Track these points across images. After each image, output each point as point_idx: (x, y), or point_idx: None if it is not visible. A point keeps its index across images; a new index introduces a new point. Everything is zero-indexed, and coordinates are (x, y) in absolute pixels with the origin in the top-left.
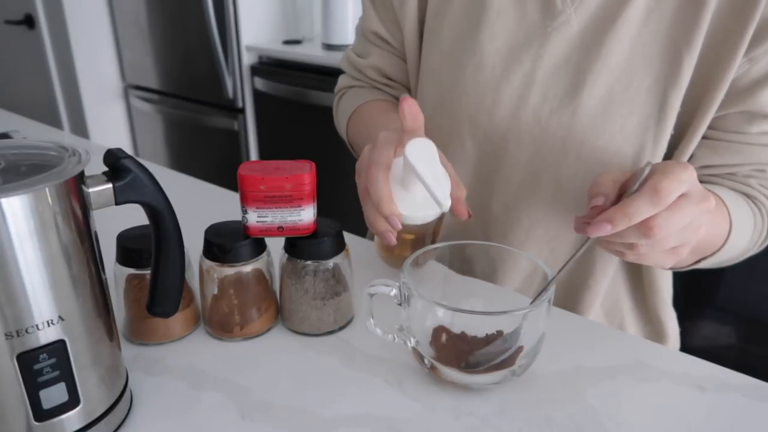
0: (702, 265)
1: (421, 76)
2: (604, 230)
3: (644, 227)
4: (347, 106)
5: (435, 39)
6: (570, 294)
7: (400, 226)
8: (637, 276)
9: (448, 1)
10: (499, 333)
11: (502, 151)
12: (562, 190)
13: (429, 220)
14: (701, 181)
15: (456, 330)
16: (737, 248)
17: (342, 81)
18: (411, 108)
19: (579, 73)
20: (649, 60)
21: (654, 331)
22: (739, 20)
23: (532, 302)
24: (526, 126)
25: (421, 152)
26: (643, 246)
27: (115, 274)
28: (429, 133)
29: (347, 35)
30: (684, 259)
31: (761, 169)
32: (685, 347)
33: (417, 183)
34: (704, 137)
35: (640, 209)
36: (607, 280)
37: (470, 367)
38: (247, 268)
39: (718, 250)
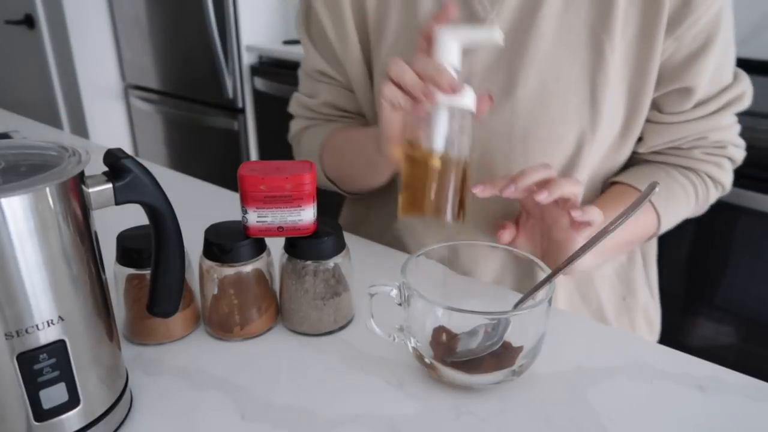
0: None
1: (375, 100)
2: (509, 191)
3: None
4: (313, 145)
5: (377, 64)
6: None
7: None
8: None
9: (383, 29)
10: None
11: None
12: None
13: (466, 105)
14: (649, 160)
15: (456, 330)
16: (676, 221)
17: (295, 125)
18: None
19: (511, 72)
20: (573, 50)
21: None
22: (652, 4)
23: (522, 298)
24: None
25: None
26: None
27: (115, 274)
28: None
29: None
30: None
31: (702, 137)
32: (685, 347)
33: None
34: (649, 120)
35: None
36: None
37: (457, 359)
38: (247, 268)
39: (656, 233)
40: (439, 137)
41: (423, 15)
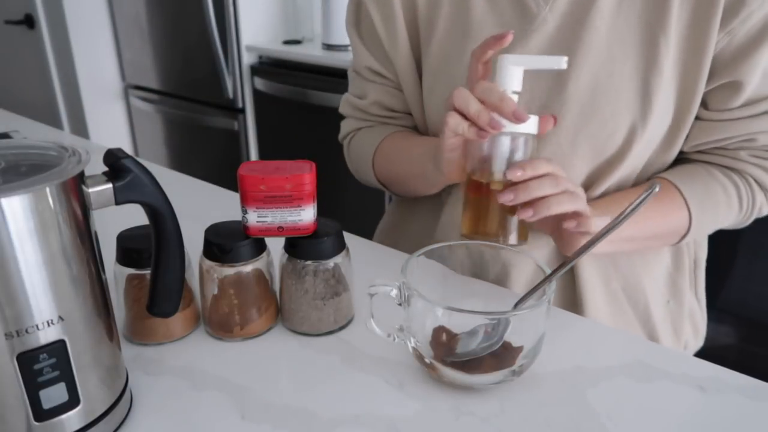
0: (685, 241)
1: (424, 98)
2: (517, 175)
3: (552, 177)
4: (365, 149)
5: (426, 61)
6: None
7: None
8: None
9: (433, 24)
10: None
11: None
12: None
13: (528, 130)
14: (693, 159)
15: (456, 330)
16: (715, 224)
17: (346, 126)
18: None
19: None
20: (626, 45)
21: (677, 310)
22: None
23: (522, 298)
24: None
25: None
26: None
27: (115, 274)
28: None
29: (347, 35)
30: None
31: (750, 139)
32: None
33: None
34: (695, 117)
35: (540, 162)
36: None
37: (457, 359)
38: (247, 268)
39: (687, 233)
40: (502, 161)
41: (474, 9)
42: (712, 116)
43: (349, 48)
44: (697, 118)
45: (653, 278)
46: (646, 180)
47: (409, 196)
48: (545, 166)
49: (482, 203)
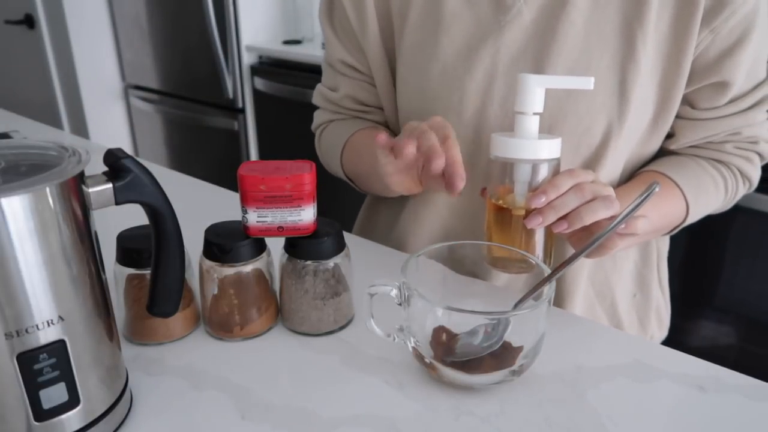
0: (676, 231)
1: (397, 90)
2: (540, 202)
3: (577, 188)
4: (334, 141)
5: (399, 52)
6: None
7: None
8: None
9: (406, 15)
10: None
11: (476, 147)
12: None
13: (551, 155)
14: (681, 152)
15: (456, 330)
16: (704, 213)
17: (319, 117)
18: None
19: (538, 61)
20: (603, 39)
21: (643, 304)
22: None
23: (522, 298)
24: (495, 118)
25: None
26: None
27: (115, 274)
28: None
29: None
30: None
31: (735, 133)
32: (685, 347)
33: (527, 118)
34: (681, 117)
35: (562, 180)
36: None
37: (457, 359)
38: (247, 268)
39: (682, 223)
40: (523, 188)
41: (448, 0)
42: (699, 115)
43: None
44: (683, 117)
45: (621, 274)
46: (630, 176)
47: (372, 193)
48: (568, 181)
49: (505, 230)
